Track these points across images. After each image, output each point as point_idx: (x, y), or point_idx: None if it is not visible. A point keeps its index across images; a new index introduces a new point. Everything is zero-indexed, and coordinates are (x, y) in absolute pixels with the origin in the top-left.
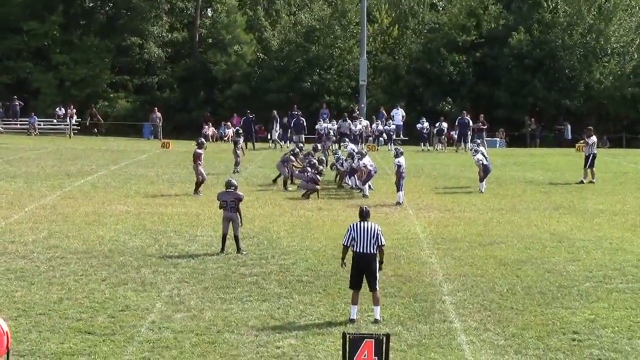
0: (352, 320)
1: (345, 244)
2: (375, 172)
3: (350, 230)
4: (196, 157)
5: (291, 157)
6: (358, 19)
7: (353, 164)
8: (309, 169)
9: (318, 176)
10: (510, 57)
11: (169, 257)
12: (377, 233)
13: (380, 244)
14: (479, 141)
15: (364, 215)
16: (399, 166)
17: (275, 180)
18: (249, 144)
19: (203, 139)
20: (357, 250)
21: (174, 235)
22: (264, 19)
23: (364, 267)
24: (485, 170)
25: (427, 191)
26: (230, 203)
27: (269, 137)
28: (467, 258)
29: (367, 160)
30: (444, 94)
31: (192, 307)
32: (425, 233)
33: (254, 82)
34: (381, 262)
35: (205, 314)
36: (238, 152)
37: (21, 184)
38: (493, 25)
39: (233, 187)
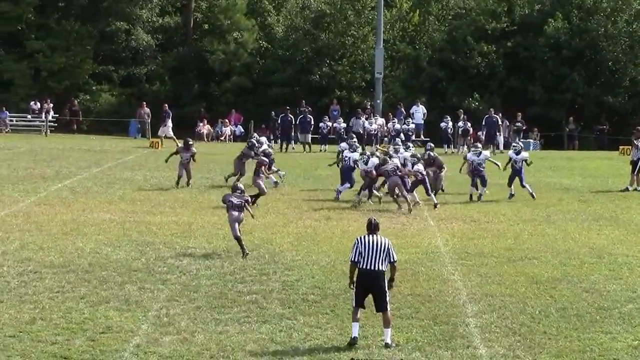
0: (354, 339)
1: (353, 259)
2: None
3: (358, 244)
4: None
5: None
6: (374, 3)
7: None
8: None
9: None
10: (546, 47)
11: (157, 272)
12: (387, 248)
13: (391, 259)
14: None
15: (372, 227)
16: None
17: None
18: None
19: (254, 141)
20: (364, 267)
21: (163, 248)
22: (267, 3)
23: (370, 286)
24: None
25: (450, 199)
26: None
27: (270, 137)
28: (494, 275)
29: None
30: (470, 88)
31: (182, 329)
32: (448, 247)
33: (255, 74)
34: (392, 280)
35: (198, 337)
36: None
37: None
38: (527, 11)
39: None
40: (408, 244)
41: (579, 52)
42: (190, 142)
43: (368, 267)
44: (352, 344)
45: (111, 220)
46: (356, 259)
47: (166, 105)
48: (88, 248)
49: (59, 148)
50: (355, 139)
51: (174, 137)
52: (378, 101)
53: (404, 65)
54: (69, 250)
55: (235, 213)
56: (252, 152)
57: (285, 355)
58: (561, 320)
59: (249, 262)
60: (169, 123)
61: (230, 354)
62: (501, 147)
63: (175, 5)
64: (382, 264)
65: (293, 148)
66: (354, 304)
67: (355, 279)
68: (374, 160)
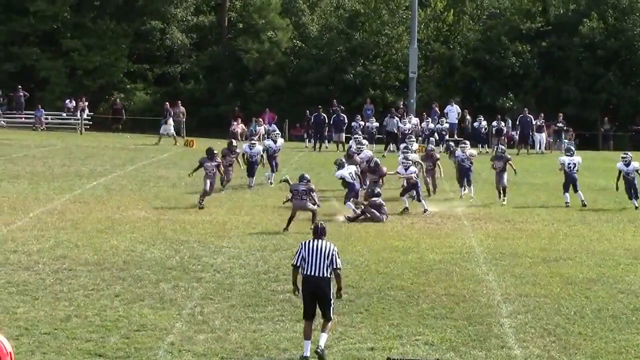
0: (304, 358)
1: (295, 264)
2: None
3: (301, 249)
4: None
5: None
6: (408, 3)
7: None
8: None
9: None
10: (580, 47)
11: (192, 270)
12: (332, 254)
13: (335, 266)
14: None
15: (318, 232)
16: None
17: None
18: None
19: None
20: (307, 272)
21: (197, 246)
22: (301, 2)
23: (315, 293)
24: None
25: (484, 199)
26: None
27: (304, 136)
28: (529, 276)
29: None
30: (504, 88)
31: (216, 328)
32: (482, 247)
33: (289, 73)
34: (340, 289)
35: (232, 335)
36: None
37: (25, 186)
38: (562, 11)
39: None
40: (442, 244)
41: (614, 52)
42: (215, 152)
43: (312, 274)
44: None
45: (145, 218)
46: (298, 263)
47: (167, 103)
48: (123, 246)
49: (94, 146)
50: (351, 156)
51: (175, 135)
52: (412, 100)
53: (438, 64)
54: (104, 248)
55: (300, 200)
56: (230, 152)
57: None
58: (596, 322)
59: (283, 261)
60: (170, 121)
61: (264, 352)
62: (542, 147)
63: (209, 4)
64: (326, 270)
65: (326, 147)
66: (303, 317)
67: (300, 287)
68: (413, 169)
